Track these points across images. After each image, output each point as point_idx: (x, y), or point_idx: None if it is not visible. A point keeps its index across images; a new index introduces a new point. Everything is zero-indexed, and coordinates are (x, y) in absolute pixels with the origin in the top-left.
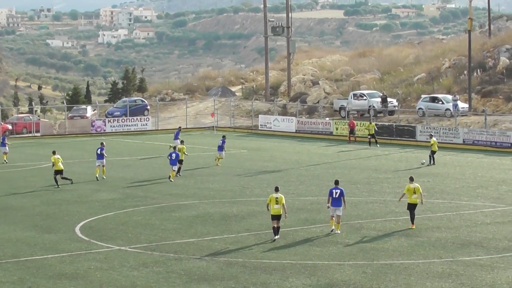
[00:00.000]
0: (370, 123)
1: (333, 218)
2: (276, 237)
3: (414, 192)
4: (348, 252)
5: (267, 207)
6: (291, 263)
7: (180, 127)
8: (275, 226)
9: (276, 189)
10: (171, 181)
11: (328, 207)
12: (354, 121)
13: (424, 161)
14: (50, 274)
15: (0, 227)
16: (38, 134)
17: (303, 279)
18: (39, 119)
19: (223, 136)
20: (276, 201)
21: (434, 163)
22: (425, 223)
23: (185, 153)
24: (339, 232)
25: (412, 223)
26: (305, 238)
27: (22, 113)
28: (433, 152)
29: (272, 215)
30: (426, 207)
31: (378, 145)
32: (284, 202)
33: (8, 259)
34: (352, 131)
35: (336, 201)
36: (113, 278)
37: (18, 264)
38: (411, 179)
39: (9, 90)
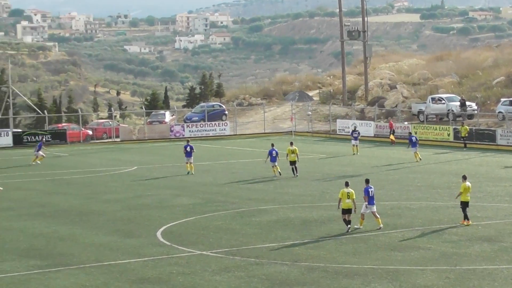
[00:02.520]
0: (463, 126)
1: (364, 217)
2: (349, 227)
3: (468, 191)
4: (430, 257)
5: (339, 202)
6: (373, 268)
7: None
8: (346, 219)
9: (347, 184)
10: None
11: (366, 206)
12: (392, 122)
13: None
14: (133, 278)
15: (83, 231)
16: (118, 139)
17: (385, 284)
18: (119, 125)
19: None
20: (347, 195)
21: None
22: (508, 228)
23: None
24: (382, 226)
25: (467, 219)
26: (386, 243)
27: (101, 118)
28: None
29: (343, 209)
30: (508, 211)
31: (464, 149)
32: (355, 197)
33: (91, 263)
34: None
35: (372, 199)
36: (195, 282)
37: (102, 268)
38: (464, 178)
39: (89, 96)
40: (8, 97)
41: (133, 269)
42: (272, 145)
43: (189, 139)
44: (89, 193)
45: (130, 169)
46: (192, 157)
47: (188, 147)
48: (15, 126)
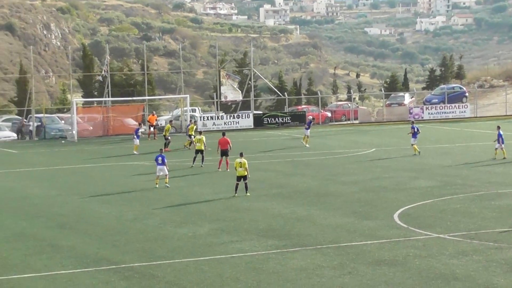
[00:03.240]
0: None
1: None
2: None
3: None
4: None
5: None
6: None
7: None
8: None
9: None
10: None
11: None
12: None
13: None
14: (370, 260)
15: (320, 213)
16: (357, 122)
17: None
18: (358, 107)
19: None
20: None
21: None
22: None
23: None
24: None
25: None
26: None
27: (340, 100)
28: None
29: None
30: None
31: None
32: None
33: (328, 244)
34: None
35: None
36: (431, 265)
37: (338, 250)
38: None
39: (328, 78)
40: (250, 80)
41: (369, 251)
42: (498, 127)
43: (414, 120)
44: (327, 174)
45: (368, 151)
46: (416, 138)
47: (415, 128)
48: (256, 108)
